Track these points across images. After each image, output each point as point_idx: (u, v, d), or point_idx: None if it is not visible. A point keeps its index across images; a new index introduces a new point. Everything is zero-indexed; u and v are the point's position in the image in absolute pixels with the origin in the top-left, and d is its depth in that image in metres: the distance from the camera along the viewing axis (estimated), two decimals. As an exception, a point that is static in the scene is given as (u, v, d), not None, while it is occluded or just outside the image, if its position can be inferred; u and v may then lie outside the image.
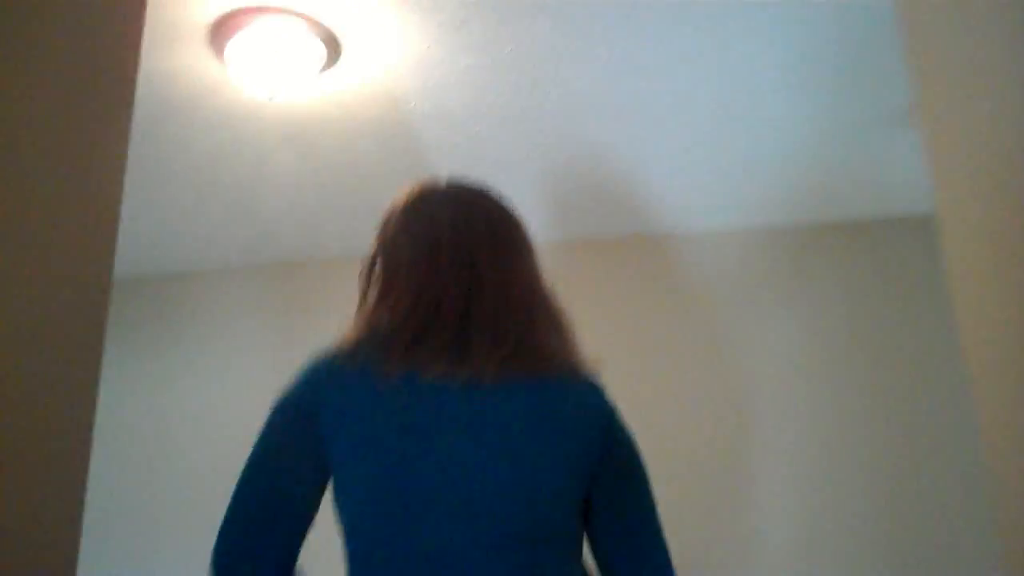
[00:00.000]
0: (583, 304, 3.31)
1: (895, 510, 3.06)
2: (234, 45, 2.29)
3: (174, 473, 3.34)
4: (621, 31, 2.28)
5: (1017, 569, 1.04)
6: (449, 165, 2.87)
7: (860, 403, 3.19)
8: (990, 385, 1.10)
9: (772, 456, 3.15)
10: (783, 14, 2.23)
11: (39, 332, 1.13)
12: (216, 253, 3.51)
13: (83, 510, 1.13)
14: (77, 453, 1.13)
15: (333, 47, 2.34)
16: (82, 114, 1.24)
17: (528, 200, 3.20)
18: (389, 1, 2.17)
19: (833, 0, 2.18)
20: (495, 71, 2.46)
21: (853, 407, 3.18)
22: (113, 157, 1.28)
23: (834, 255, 3.36)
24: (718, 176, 3.05)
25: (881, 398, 3.18)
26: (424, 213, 1.33)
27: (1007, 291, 1.06)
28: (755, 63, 2.43)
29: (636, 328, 3.33)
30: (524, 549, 1.14)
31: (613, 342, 3.29)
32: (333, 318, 1.38)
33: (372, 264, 1.34)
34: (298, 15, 2.24)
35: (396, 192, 1.40)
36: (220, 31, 2.28)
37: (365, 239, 1.39)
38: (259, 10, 2.22)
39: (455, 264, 1.26)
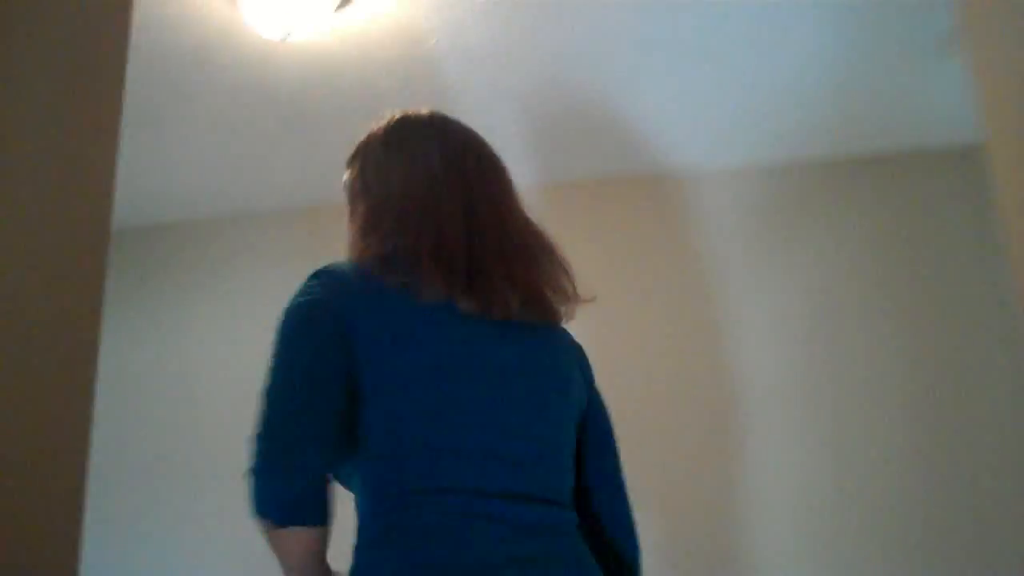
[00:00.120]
0: (614, 242, 3.26)
1: (934, 491, 2.91)
2: (245, -16, 2.23)
3: (193, 418, 3.33)
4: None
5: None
6: (471, 103, 2.80)
7: (890, 353, 3.06)
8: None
9: (784, 408, 3.08)
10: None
11: (37, 286, 1.12)
12: (234, 199, 3.48)
13: (87, 459, 1.12)
14: (78, 404, 1.12)
15: (347, -17, 2.27)
16: (76, 61, 1.20)
17: (551, 137, 3.15)
18: (403, -67, 2.09)
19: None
20: (515, 7, 2.38)
21: (883, 357, 3.06)
22: (109, 104, 1.23)
23: (861, 191, 3.24)
24: (745, 110, 2.95)
25: (915, 342, 3.06)
26: (412, 143, 1.33)
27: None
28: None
29: (667, 266, 3.26)
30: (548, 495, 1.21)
31: (660, 277, 3.25)
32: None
33: (358, 191, 1.33)
34: (310, -50, 2.16)
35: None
36: (230, -31, 2.21)
37: None
38: (269, -54, 2.15)
39: (451, 198, 1.28)
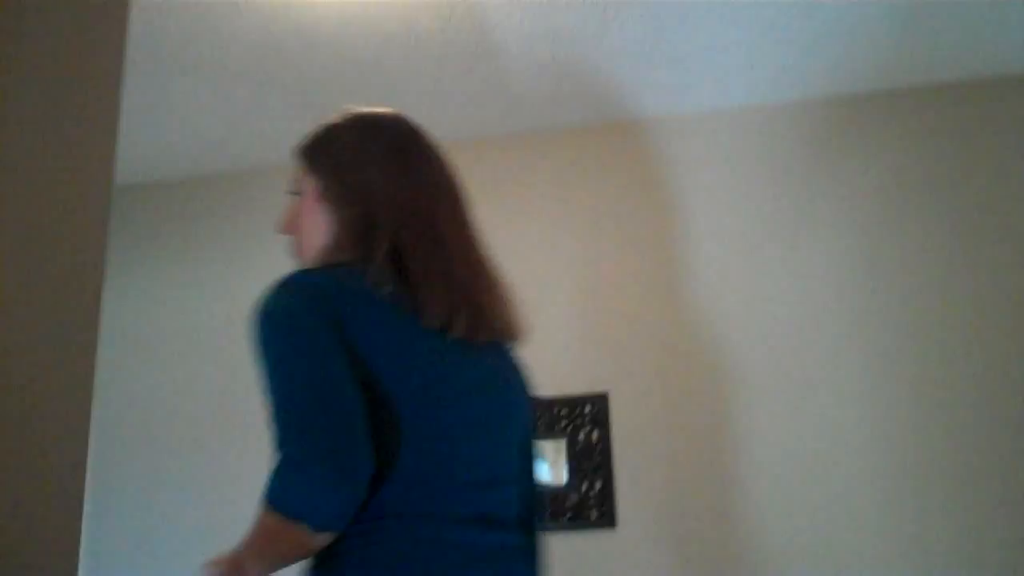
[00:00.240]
0: (672, 183, 3.16)
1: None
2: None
3: (197, 374, 3.32)
4: None
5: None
6: (516, 42, 2.73)
7: (949, 294, 2.93)
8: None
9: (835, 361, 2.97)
10: None
11: (41, 245, 1.12)
12: (276, 149, 3.45)
13: (89, 419, 1.13)
14: (81, 364, 1.13)
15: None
16: (77, 14, 1.18)
17: (608, 73, 3.05)
18: None
19: None
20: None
21: (932, 306, 2.91)
22: (110, 58, 1.21)
23: (910, 123, 3.08)
24: (806, 40, 2.81)
25: (967, 285, 2.91)
26: (408, 152, 1.27)
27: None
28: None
29: (730, 204, 3.15)
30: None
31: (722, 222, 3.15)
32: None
33: (336, 193, 1.25)
34: None
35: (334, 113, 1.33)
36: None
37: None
38: None
39: (444, 217, 1.25)
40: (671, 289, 3.08)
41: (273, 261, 1.46)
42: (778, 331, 2.98)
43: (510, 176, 3.28)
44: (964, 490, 2.74)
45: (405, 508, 1.08)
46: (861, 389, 2.89)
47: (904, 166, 3.05)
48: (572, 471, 2.94)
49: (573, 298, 3.12)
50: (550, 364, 2.92)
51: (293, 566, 1.05)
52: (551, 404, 2.98)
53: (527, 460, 1.30)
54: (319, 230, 1.24)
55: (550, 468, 2.95)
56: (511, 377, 1.29)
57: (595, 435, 2.96)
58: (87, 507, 1.16)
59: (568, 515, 2.90)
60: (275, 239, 1.40)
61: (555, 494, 2.92)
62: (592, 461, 2.94)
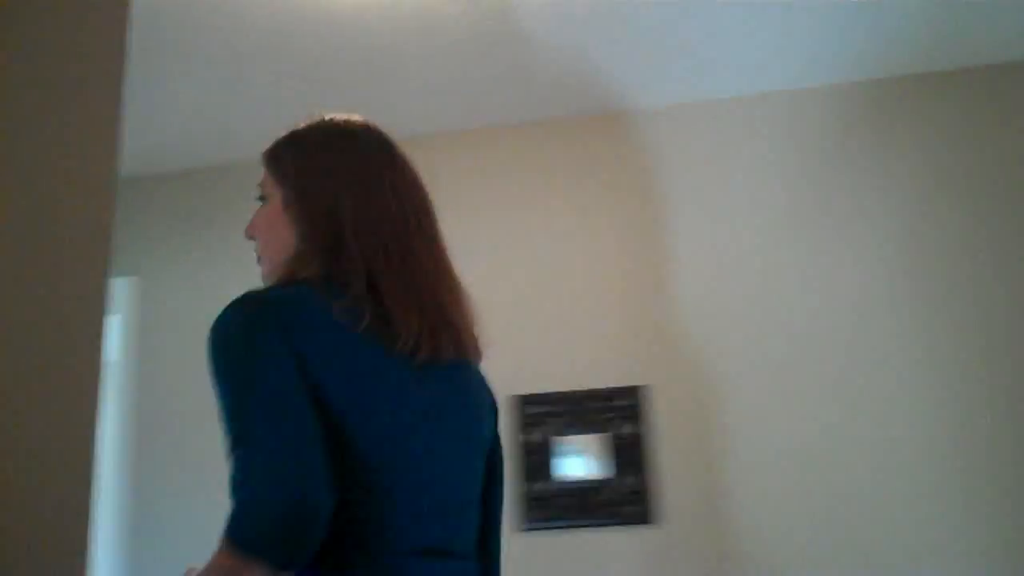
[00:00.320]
0: (692, 169, 3.11)
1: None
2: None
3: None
4: None
5: None
6: (541, 27, 2.68)
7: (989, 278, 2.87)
8: None
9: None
10: None
11: (43, 236, 1.10)
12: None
13: (97, 408, 1.12)
14: (87, 362, 1.11)
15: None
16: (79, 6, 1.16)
17: (646, 54, 2.99)
18: None
19: None
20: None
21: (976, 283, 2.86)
22: (112, 49, 1.18)
23: (931, 107, 3.00)
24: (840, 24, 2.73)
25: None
26: (342, 160, 1.21)
27: None
28: None
29: (756, 183, 3.09)
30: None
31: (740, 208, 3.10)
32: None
33: (295, 199, 1.20)
34: None
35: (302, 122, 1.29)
36: None
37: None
38: None
39: (412, 232, 1.20)
40: (703, 280, 3.03)
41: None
42: (830, 322, 2.93)
43: (553, 162, 3.20)
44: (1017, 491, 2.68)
45: (364, 541, 1.05)
46: (912, 384, 2.84)
47: (935, 152, 2.97)
48: (615, 465, 2.91)
49: (613, 286, 3.08)
50: (588, 356, 2.96)
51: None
52: (588, 396, 2.95)
53: (491, 478, 1.29)
54: (283, 242, 1.20)
55: (588, 462, 2.92)
56: (473, 396, 1.25)
57: (634, 429, 2.92)
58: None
59: (606, 510, 2.87)
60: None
61: (594, 487, 2.89)
62: (630, 456, 2.90)
